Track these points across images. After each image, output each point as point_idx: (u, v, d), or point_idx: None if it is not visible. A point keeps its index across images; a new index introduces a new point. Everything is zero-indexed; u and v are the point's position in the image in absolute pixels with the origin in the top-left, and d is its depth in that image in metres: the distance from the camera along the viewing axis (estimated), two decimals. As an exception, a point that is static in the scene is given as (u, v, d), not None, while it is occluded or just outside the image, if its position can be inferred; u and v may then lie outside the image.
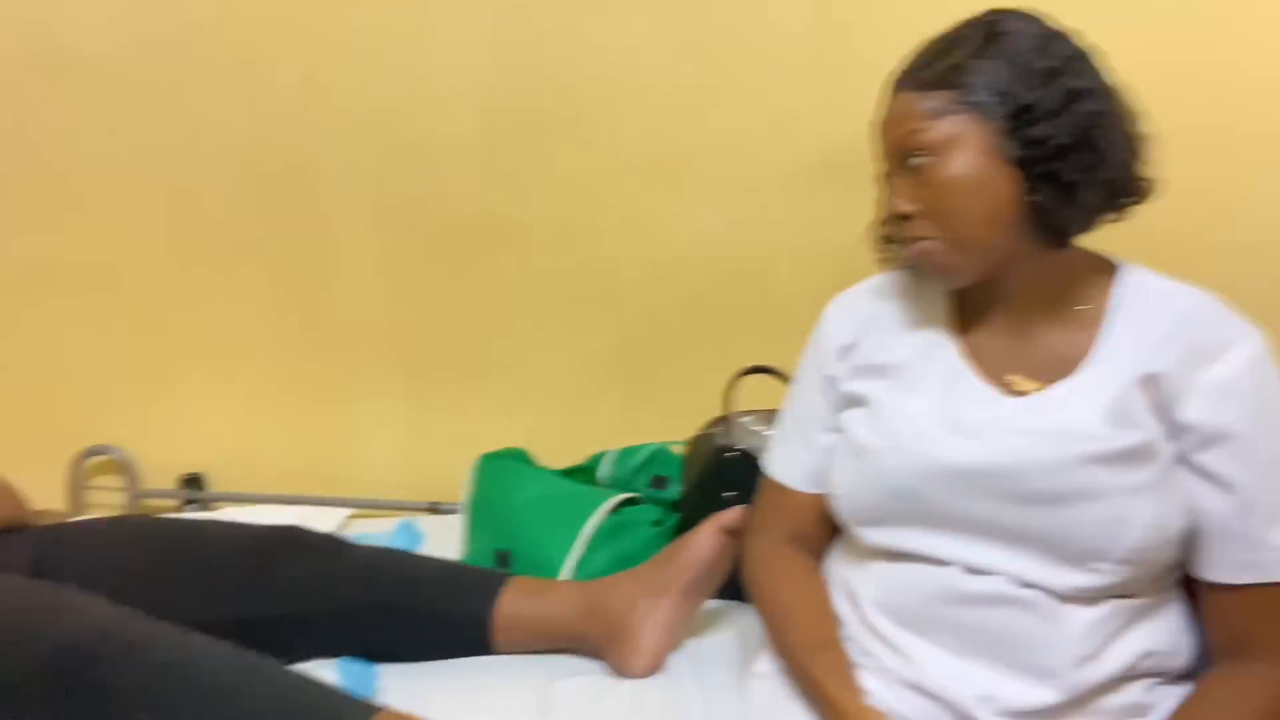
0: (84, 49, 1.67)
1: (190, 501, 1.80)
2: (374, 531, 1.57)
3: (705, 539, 1.16)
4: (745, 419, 1.38)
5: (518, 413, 1.77)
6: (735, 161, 1.66)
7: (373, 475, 1.81)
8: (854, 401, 1.03)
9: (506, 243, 1.73)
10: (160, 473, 1.81)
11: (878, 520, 0.97)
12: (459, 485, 1.63)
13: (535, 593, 1.20)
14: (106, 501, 1.81)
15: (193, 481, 1.80)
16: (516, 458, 1.56)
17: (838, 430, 1.04)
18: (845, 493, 0.99)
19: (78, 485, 1.79)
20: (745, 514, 1.16)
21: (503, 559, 1.36)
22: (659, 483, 1.54)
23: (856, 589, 0.99)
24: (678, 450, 1.55)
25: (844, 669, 0.94)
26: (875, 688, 0.93)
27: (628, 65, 1.66)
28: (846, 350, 1.05)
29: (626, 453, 1.59)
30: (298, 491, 1.78)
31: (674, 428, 1.58)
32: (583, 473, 1.60)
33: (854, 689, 0.92)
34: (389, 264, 1.76)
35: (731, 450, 1.32)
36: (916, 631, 0.93)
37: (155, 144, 1.72)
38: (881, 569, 0.97)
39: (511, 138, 1.70)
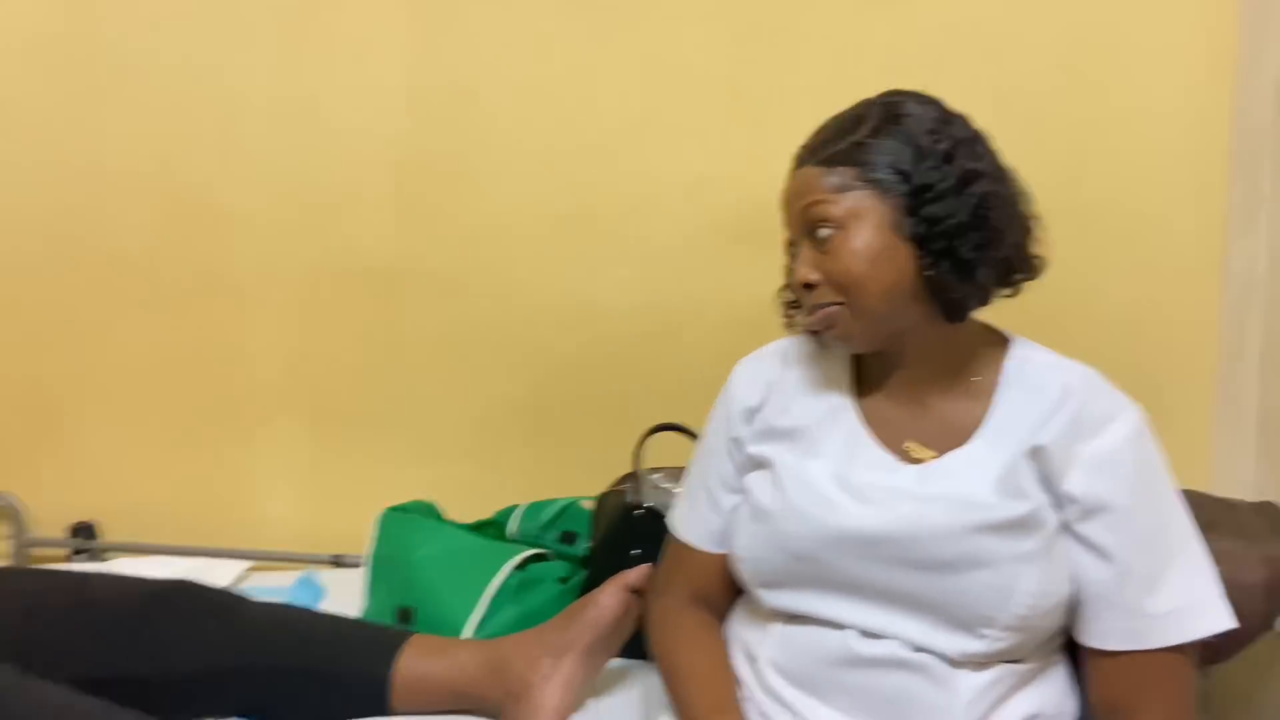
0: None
1: (80, 551, 1.72)
2: (273, 585, 1.52)
3: (609, 597, 1.16)
4: (654, 476, 1.38)
5: (425, 465, 1.75)
6: (649, 219, 1.69)
7: (273, 526, 1.76)
8: (758, 464, 1.04)
9: (416, 293, 1.72)
10: (49, 521, 1.73)
11: (777, 583, 0.98)
12: (363, 538, 1.59)
13: (436, 652, 1.17)
14: (-10, 551, 1.72)
15: (83, 530, 1.73)
16: (423, 511, 1.53)
17: (742, 491, 1.05)
18: (746, 555, 1.00)
19: (-44, 533, 1.71)
20: (650, 572, 1.16)
21: (404, 616, 1.33)
22: (568, 538, 1.53)
23: (755, 650, 1.00)
24: (588, 505, 1.55)
25: (740, 734, 0.95)
26: (772, 751, 0.94)
27: (541, 120, 1.68)
28: (752, 413, 1.07)
29: (536, 507, 1.58)
30: (195, 542, 1.72)
31: (585, 483, 1.58)
32: (492, 527, 1.58)
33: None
34: (295, 311, 1.73)
35: (639, 507, 1.32)
36: (812, 693, 0.94)
37: (51, 183, 1.67)
38: (780, 631, 0.98)
39: (423, 188, 1.70)
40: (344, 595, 1.48)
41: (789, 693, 0.95)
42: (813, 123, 1.02)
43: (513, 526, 1.56)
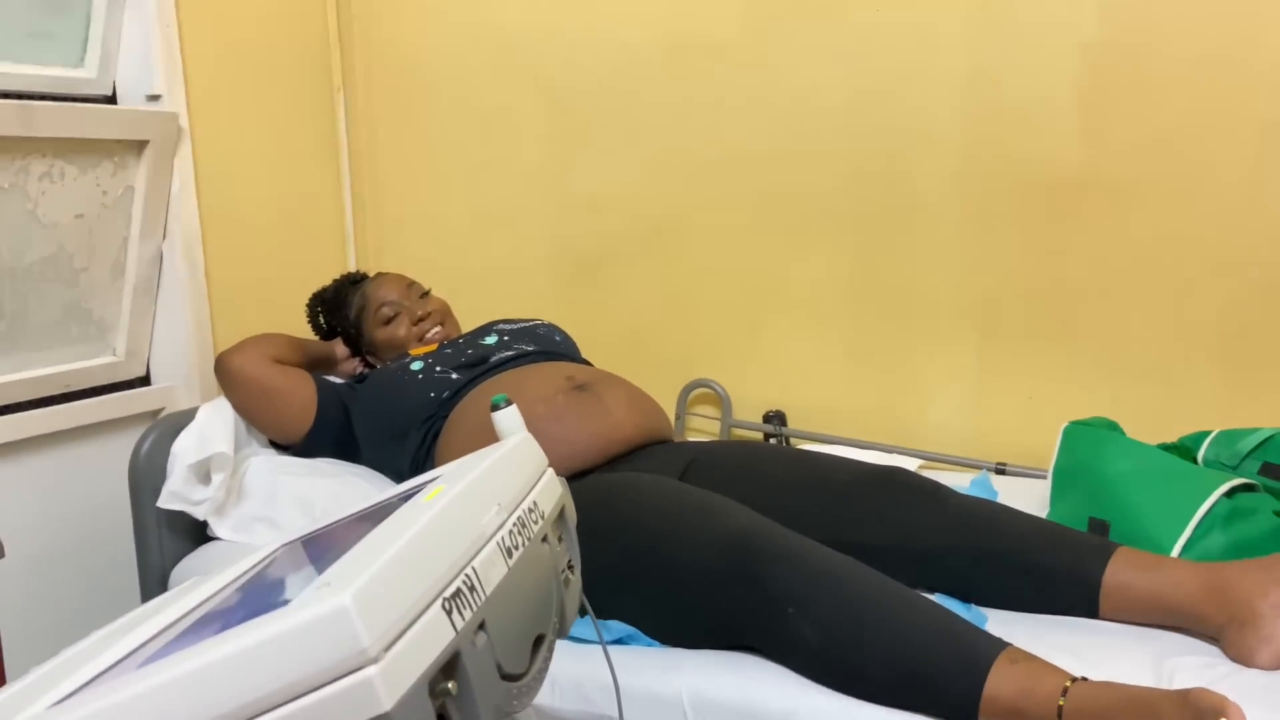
0: (709, 32, 1.93)
1: (771, 436, 2.02)
2: (951, 484, 1.64)
3: (1366, 537, 1.06)
4: None
5: (1101, 383, 1.72)
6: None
7: (939, 431, 1.88)
8: None
9: (1102, 205, 1.68)
10: (749, 407, 2.05)
11: None
12: (1028, 449, 1.64)
13: (1148, 565, 1.18)
14: (703, 428, 2.10)
15: (775, 417, 2.02)
16: (1106, 428, 1.52)
17: None
18: None
19: (681, 413, 2.11)
20: None
21: (1098, 527, 1.35)
22: (1272, 471, 1.41)
23: None
24: (1300, 437, 1.41)
25: None
26: None
27: (1234, 19, 1.52)
28: None
29: (1232, 435, 1.47)
30: (869, 438, 1.91)
31: (1290, 413, 1.44)
32: (1177, 452, 1.52)
33: None
34: (970, 224, 1.80)
35: (1397, 444, 1.17)
36: None
37: (758, 116, 1.93)
38: None
39: (1114, 94, 1.65)
40: (1013, 503, 1.52)
41: None
42: None
43: (1204, 454, 1.48)
